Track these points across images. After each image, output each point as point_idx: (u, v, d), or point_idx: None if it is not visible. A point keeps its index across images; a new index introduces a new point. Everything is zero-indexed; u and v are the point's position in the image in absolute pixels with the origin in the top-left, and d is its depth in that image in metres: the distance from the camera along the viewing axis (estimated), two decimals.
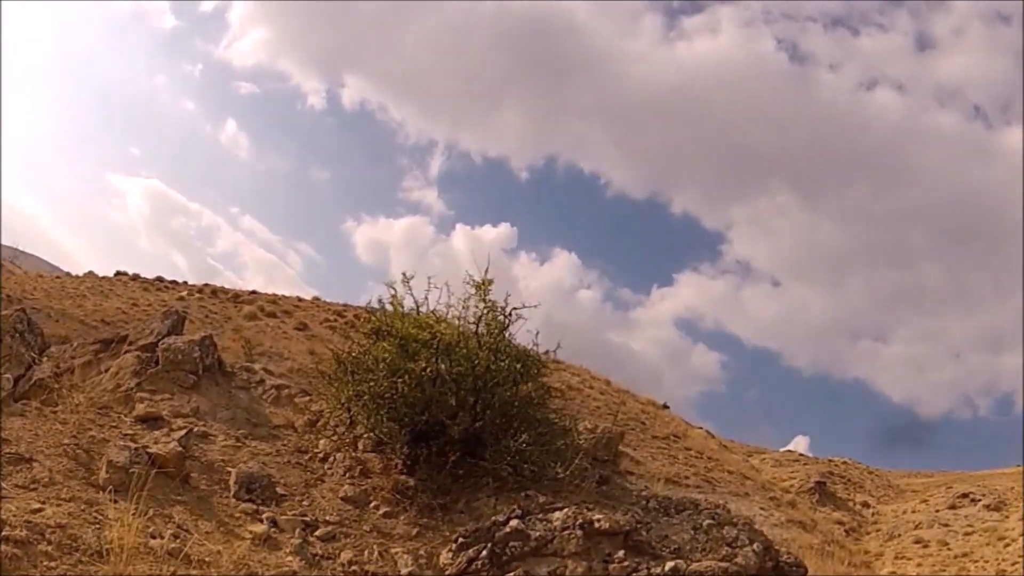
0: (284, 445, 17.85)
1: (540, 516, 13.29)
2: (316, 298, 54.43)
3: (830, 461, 65.41)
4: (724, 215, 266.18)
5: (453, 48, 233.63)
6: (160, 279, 51.04)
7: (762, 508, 31.56)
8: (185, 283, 51.40)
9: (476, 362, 17.01)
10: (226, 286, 53.40)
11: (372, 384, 16.90)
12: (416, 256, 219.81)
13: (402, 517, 15.63)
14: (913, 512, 51.89)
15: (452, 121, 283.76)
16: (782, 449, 71.40)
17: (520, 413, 17.18)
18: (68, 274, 52.82)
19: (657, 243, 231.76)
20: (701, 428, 51.46)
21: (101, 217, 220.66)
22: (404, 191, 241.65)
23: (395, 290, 18.29)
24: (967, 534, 46.10)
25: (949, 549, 44.48)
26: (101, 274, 52.30)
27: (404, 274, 18.34)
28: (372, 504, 15.94)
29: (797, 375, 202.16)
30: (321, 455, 17.66)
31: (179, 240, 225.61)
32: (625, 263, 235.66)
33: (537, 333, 18.38)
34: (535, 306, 18.45)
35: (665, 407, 49.72)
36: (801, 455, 67.20)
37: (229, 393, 20.40)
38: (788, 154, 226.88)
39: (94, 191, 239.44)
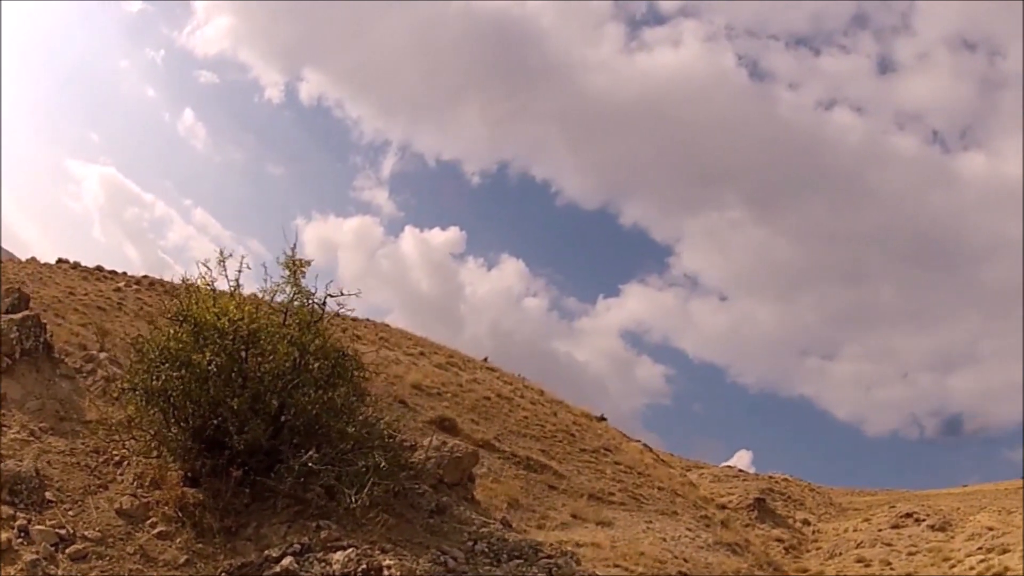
0: (83, 444, 14.61)
1: (320, 555, 10.10)
2: (253, 295, 51.25)
3: (770, 477, 62.80)
4: (675, 228, 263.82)
5: (415, 47, 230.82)
6: (100, 268, 47.76)
7: (688, 529, 28.48)
8: (124, 274, 48.18)
9: (274, 359, 13.39)
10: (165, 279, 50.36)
11: (145, 377, 13.18)
12: (365, 257, 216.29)
13: (178, 539, 12.59)
14: (855, 531, 49.33)
15: (408, 121, 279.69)
16: (723, 464, 68.81)
17: (324, 424, 13.50)
18: (11, 260, 49.43)
19: (605, 253, 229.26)
20: (638, 441, 48.72)
21: (58, 204, 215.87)
22: (355, 190, 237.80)
23: (208, 268, 14.51)
24: (911, 554, 43.58)
25: (892, 569, 41.94)
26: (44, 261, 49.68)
27: (221, 252, 14.58)
28: (150, 520, 12.86)
29: (743, 390, 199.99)
30: (117, 458, 14.07)
31: (132, 231, 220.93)
32: (572, 272, 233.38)
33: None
34: (355, 294, 15.14)
35: (602, 419, 46.94)
36: (741, 471, 64.56)
37: (50, 381, 16.97)
38: (744, 169, 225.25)
39: (53, 177, 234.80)
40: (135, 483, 13.62)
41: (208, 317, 13.57)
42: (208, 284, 14.40)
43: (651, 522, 28.16)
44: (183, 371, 13.05)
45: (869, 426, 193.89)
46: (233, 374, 13.17)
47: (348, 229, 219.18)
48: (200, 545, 12.39)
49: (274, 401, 13.14)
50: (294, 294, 14.38)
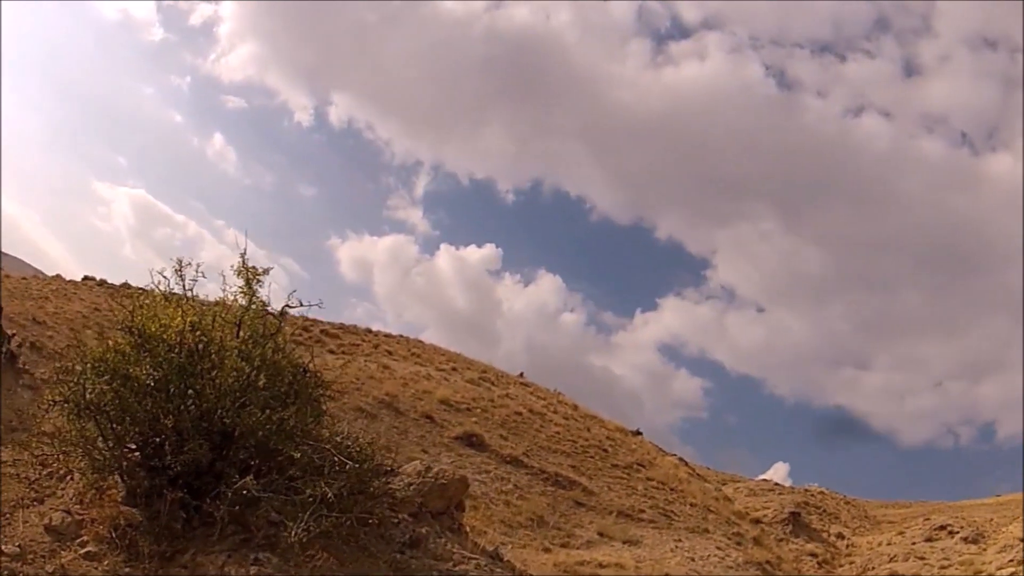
0: (32, 455, 13.58)
1: None
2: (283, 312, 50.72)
3: (806, 491, 61.41)
4: (709, 240, 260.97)
5: (441, 68, 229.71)
6: (127, 285, 47.35)
7: (719, 547, 27.57)
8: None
9: (220, 374, 12.41)
10: None
11: (76, 389, 12.22)
12: (400, 274, 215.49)
13: (105, 561, 11.52)
14: (889, 544, 47.99)
15: (438, 141, 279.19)
16: (759, 477, 67.56)
17: (274, 447, 12.48)
18: (36, 276, 49.25)
19: (641, 267, 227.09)
20: (673, 456, 47.75)
21: (86, 224, 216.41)
22: (389, 209, 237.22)
23: (165, 276, 13.55)
24: (943, 567, 42.35)
25: None
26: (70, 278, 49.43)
27: (179, 260, 13.59)
28: (80, 539, 11.85)
29: (779, 402, 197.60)
30: (62, 472, 13.21)
31: (164, 250, 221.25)
32: (609, 287, 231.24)
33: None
34: (317, 304, 14.11)
35: (637, 434, 46.02)
36: (776, 484, 63.14)
37: (10, 391, 16.49)
38: (774, 180, 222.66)
39: (80, 198, 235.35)
40: (75, 499, 12.64)
41: (153, 328, 12.61)
42: (164, 293, 13.39)
43: (680, 540, 27.28)
44: (119, 384, 12.11)
45: (904, 436, 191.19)
46: (174, 389, 12.19)
47: (383, 248, 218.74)
48: (128, 569, 11.36)
49: (225, 420, 12.13)
50: (248, 304, 13.37)
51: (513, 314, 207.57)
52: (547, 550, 23.56)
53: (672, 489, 34.18)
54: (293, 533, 10.86)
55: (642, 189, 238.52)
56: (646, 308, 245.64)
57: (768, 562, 28.76)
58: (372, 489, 12.30)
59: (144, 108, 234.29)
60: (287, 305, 13.65)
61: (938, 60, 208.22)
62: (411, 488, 12.96)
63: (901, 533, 49.62)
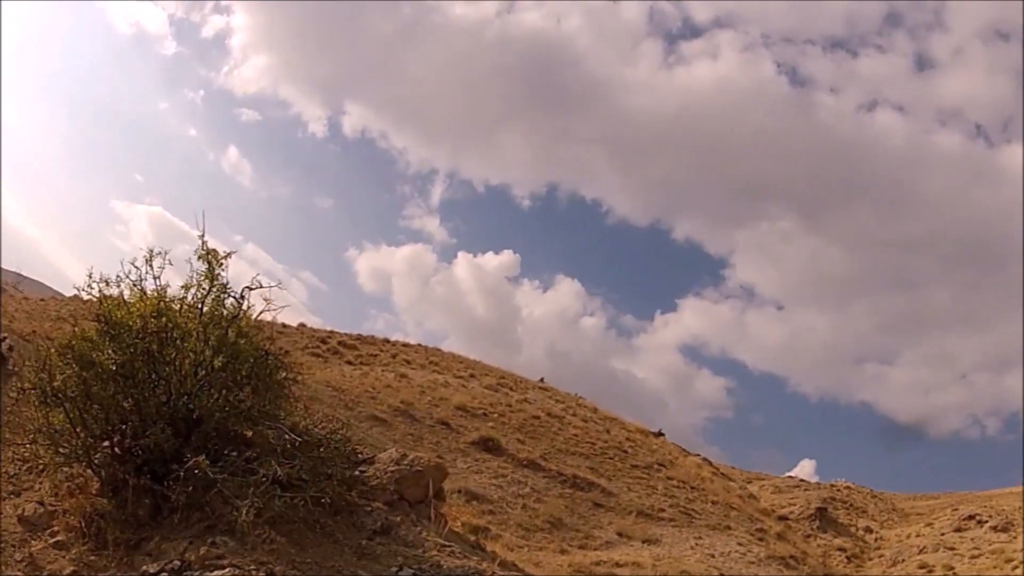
0: (13, 452, 13.34)
1: (198, 573, 8.63)
2: (302, 325, 50.61)
3: (832, 486, 60.55)
4: (727, 240, 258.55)
5: (454, 76, 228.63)
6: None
7: (740, 544, 26.81)
8: None
9: (179, 358, 11.84)
10: None
11: (43, 377, 11.72)
12: (419, 284, 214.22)
13: (73, 550, 11.38)
14: (917, 536, 47.28)
15: (453, 149, 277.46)
16: (785, 474, 66.66)
17: (232, 424, 11.84)
18: (54, 297, 49.01)
19: (660, 269, 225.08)
20: (697, 456, 47.04)
21: (106, 244, 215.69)
22: (405, 219, 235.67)
23: (136, 267, 12.96)
24: (973, 557, 41.62)
25: (955, 573, 39.91)
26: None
27: (151, 250, 13.01)
28: (51, 529, 11.74)
29: (803, 400, 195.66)
30: (42, 465, 12.69)
31: (183, 268, 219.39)
32: (628, 290, 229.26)
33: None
34: (275, 285, 13.38)
35: (659, 435, 45.38)
36: (802, 480, 62.29)
37: None
38: (790, 178, 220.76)
39: (98, 218, 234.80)
40: (52, 490, 12.36)
41: (119, 314, 12.07)
42: (129, 283, 12.83)
43: (701, 538, 26.57)
44: (84, 370, 11.60)
45: (930, 429, 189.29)
46: (140, 375, 11.67)
47: (401, 257, 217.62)
48: (93, 558, 11.19)
49: (189, 405, 11.57)
50: (210, 289, 12.78)
51: (533, 320, 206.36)
52: (564, 551, 22.92)
53: (693, 488, 33.46)
54: (244, 513, 10.26)
55: (658, 191, 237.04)
56: (666, 309, 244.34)
57: (792, 557, 27.99)
58: (339, 474, 11.61)
59: (159, 123, 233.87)
60: (247, 287, 13.01)
61: (951, 53, 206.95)
62: (386, 476, 12.20)
63: (930, 524, 48.92)
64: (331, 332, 49.88)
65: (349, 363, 42.40)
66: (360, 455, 12.63)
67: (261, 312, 13.35)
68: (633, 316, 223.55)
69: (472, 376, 42.62)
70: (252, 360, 12.28)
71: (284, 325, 50.00)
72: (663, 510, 29.04)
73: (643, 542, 25.03)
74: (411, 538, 11.00)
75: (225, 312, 12.69)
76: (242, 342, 12.41)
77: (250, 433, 11.42)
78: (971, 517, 46.62)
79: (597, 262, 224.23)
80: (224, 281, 12.98)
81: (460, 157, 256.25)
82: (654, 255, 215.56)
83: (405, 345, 50.64)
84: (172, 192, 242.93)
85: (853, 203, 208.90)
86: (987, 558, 40.85)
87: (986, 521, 45.51)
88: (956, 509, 49.88)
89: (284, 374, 12.94)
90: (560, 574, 20.46)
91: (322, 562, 10.08)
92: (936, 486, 70.67)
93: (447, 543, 11.07)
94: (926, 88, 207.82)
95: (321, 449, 11.58)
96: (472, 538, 13.46)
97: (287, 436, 11.52)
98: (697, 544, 25.72)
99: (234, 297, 12.91)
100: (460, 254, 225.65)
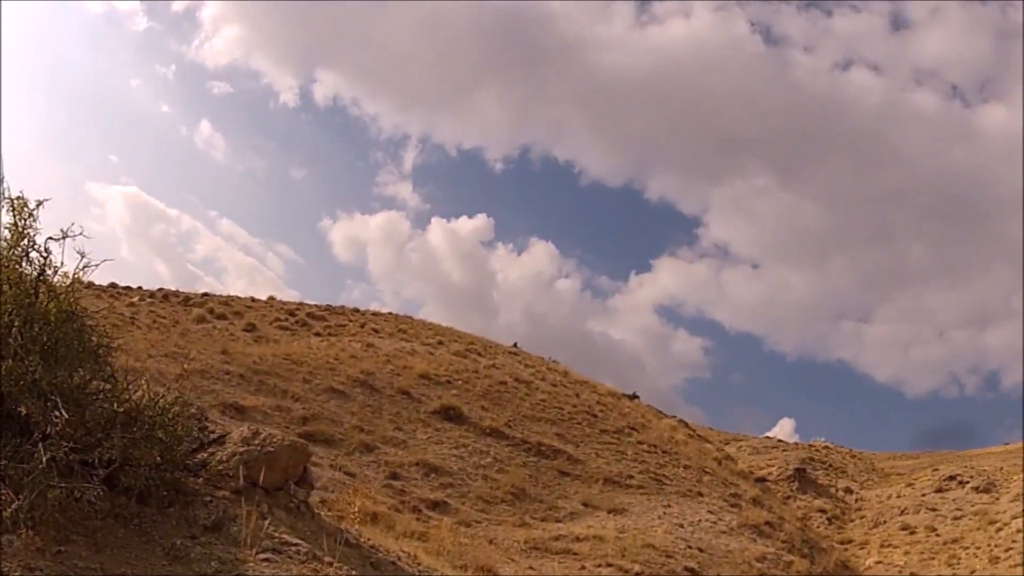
0: None
1: None
2: (271, 298, 49.44)
3: (810, 446, 59.17)
4: (701, 199, 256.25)
5: (425, 39, 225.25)
6: (114, 285, 45.74)
7: (711, 512, 25.08)
8: (140, 288, 45.88)
9: None
10: (180, 290, 48.13)
11: None
12: (394, 252, 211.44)
13: None
14: (898, 497, 45.91)
15: (425, 113, 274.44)
16: (764, 435, 65.15)
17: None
18: None
19: (634, 229, 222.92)
20: (673, 418, 45.34)
21: (82, 227, 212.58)
22: (378, 186, 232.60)
23: None
24: (956, 518, 40.41)
25: (938, 535, 38.80)
26: None
27: None
28: None
29: (781, 358, 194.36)
30: None
31: (160, 248, 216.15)
32: (603, 251, 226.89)
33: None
34: (80, 234, 10.96)
35: (634, 397, 43.64)
36: (780, 441, 60.82)
37: None
38: (765, 136, 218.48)
39: (74, 200, 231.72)
40: None
41: None
42: None
43: (669, 506, 24.76)
44: None
45: (909, 387, 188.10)
46: None
47: (375, 225, 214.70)
48: None
49: None
50: (16, 243, 10.42)
51: (509, 284, 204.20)
52: (524, 525, 21.07)
53: (665, 452, 31.62)
54: (13, 508, 8.00)
55: (632, 151, 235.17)
56: (641, 270, 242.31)
57: (768, 523, 26.18)
58: (170, 457, 9.17)
59: (132, 101, 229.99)
60: (50, 238, 10.65)
61: (928, 13, 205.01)
62: (233, 459, 9.68)
63: (910, 485, 47.70)
64: (299, 304, 48.70)
65: (317, 334, 40.96)
66: (212, 434, 10.13)
67: (82, 269, 10.90)
68: (608, 277, 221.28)
69: (440, 343, 40.84)
70: (52, 324, 9.85)
71: (253, 299, 48.51)
72: (632, 477, 27.22)
73: (609, 512, 23.26)
74: (246, 536, 8.64)
75: (29, 269, 10.26)
76: (50, 304, 10.00)
77: (23, 410, 9.00)
78: (952, 478, 45.41)
79: (571, 224, 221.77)
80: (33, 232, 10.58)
81: (433, 121, 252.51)
82: (628, 215, 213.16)
83: (375, 314, 49.04)
84: (146, 171, 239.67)
85: (828, 159, 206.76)
86: (970, 519, 39.81)
87: (967, 482, 44.36)
88: (936, 469, 48.68)
89: (96, 340, 10.53)
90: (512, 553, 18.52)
91: (113, 567, 7.84)
92: (914, 445, 69.58)
93: (297, 541, 8.80)
94: (902, 48, 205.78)
95: (135, 428, 9.16)
96: (353, 531, 11.13)
97: (57, 413, 9.08)
98: (666, 513, 23.89)
99: (39, 252, 10.47)
100: (434, 220, 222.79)
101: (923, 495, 44.42)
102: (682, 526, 22.81)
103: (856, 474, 53.96)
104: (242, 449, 9.55)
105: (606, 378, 43.64)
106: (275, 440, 9.70)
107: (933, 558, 36.01)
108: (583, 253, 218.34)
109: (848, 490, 49.58)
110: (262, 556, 8.27)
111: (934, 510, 41.70)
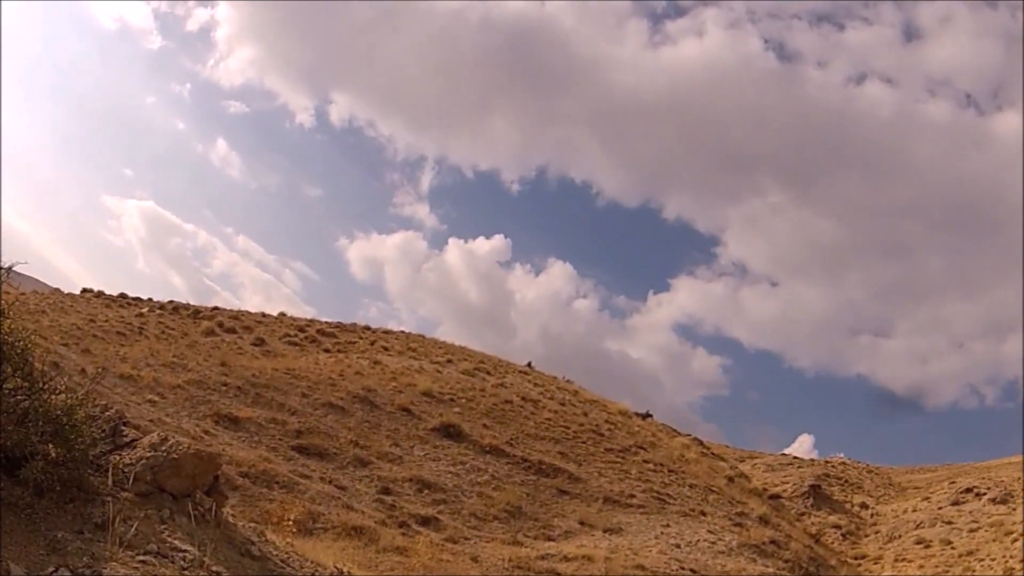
0: None
1: None
2: (282, 314, 48.59)
3: (827, 462, 57.97)
4: (718, 217, 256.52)
5: (439, 61, 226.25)
6: (123, 295, 45.60)
7: (711, 531, 23.95)
8: (149, 300, 45.38)
9: None
10: (190, 302, 47.56)
11: None
12: (411, 271, 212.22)
13: None
14: (914, 511, 44.65)
15: (441, 134, 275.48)
16: (783, 450, 64.07)
17: None
18: (35, 291, 46.82)
19: (652, 249, 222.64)
20: (687, 436, 44.44)
21: (98, 239, 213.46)
22: (395, 206, 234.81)
23: None
24: (972, 531, 39.26)
25: (953, 548, 37.65)
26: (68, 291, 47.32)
27: None
28: None
29: (799, 375, 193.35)
30: None
31: (175, 261, 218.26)
32: (621, 270, 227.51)
33: None
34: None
35: (647, 416, 42.70)
36: (796, 458, 59.66)
37: None
38: (779, 153, 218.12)
39: (90, 213, 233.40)
40: None
41: None
42: None
43: (668, 525, 23.75)
44: None
45: (928, 399, 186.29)
46: None
47: (392, 245, 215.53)
48: None
49: None
50: None
51: (526, 304, 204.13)
52: (516, 543, 20.17)
53: (672, 471, 30.62)
54: None
55: (648, 170, 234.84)
56: (659, 289, 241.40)
57: (773, 542, 25.07)
58: (52, 454, 8.37)
59: (147, 117, 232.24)
60: None
61: (938, 22, 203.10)
62: (140, 463, 8.88)
63: (927, 498, 46.53)
64: (310, 321, 48.05)
65: (326, 351, 40.19)
66: (125, 436, 9.33)
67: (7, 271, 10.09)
68: (626, 297, 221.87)
69: (449, 361, 40.01)
70: None
71: (264, 314, 47.80)
72: (633, 496, 26.25)
73: (604, 531, 22.31)
74: (133, 538, 7.87)
75: None
76: None
77: None
78: (969, 490, 44.17)
79: (589, 244, 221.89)
80: None
81: (448, 142, 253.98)
82: (646, 235, 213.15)
83: (386, 332, 48.33)
84: (162, 186, 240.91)
85: (842, 174, 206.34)
86: (985, 531, 38.65)
87: (984, 493, 43.12)
88: (954, 482, 47.43)
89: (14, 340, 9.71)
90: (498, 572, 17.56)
91: None
92: (936, 458, 68.28)
93: (186, 548, 7.96)
94: (914, 58, 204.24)
95: (43, 424, 8.42)
96: (279, 543, 10.19)
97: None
98: (663, 533, 22.87)
99: None
100: (451, 240, 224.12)
101: (939, 508, 43.23)
102: (679, 546, 21.78)
103: (872, 489, 52.71)
104: (149, 454, 8.79)
105: (623, 397, 42.89)
106: (181, 447, 8.91)
107: (947, 571, 34.85)
108: (601, 273, 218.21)
109: (864, 505, 48.37)
110: (140, 558, 7.52)
111: (950, 523, 40.49)
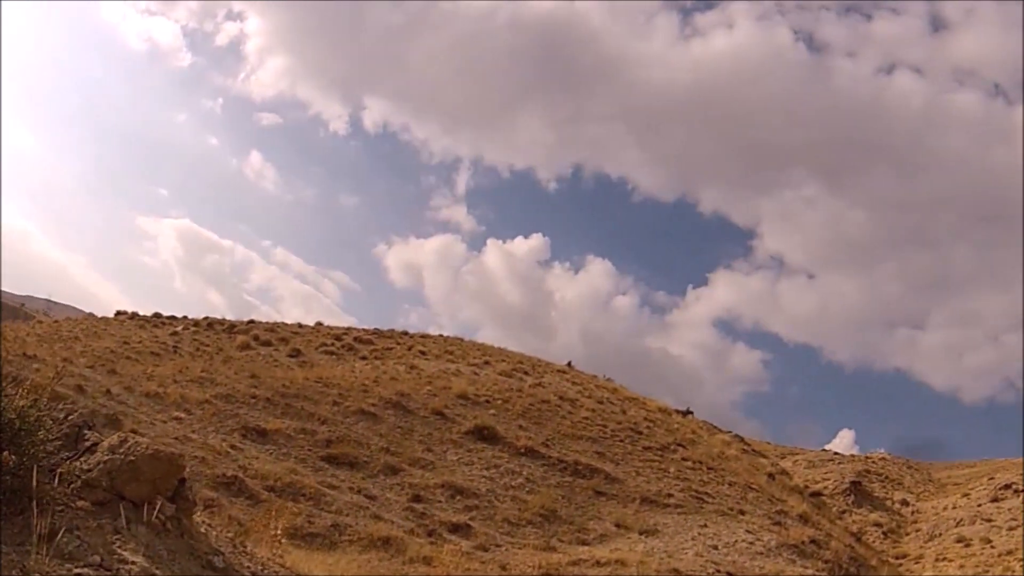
0: None
1: None
2: (319, 324, 48.16)
3: (867, 458, 57.12)
4: (753, 210, 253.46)
5: (469, 61, 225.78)
6: (157, 315, 45.36)
7: (749, 531, 23.20)
8: (185, 317, 45.20)
9: None
10: (226, 317, 47.41)
11: None
12: (450, 275, 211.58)
13: None
14: (954, 508, 43.91)
15: (475, 135, 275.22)
16: (825, 446, 63.24)
17: None
18: (68, 319, 46.74)
19: (689, 243, 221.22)
20: (728, 433, 43.75)
21: (135, 262, 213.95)
22: (432, 210, 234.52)
23: None
24: (1011, 528, 38.50)
25: (992, 547, 36.97)
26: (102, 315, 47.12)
27: None
28: None
29: (839, 369, 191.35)
30: None
31: (213, 278, 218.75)
32: (659, 266, 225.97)
33: None
34: None
35: (687, 413, 42.02)
36: (836, 454, 58.84)
37: None
38: (811, 144, 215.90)
39: (125, 236, 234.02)
40: None
41: None
42: None
43: (705, 526, 23.04)
44: None
45: (965, 394, 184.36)
46: None
47: (430, 249, 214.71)
48: None
49: None
50: None
51: (566, 303, 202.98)
52: (549, 548, 19.58)
53: (711, 469, 29.91)
54: None
55: (682, 165, 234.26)
56: (697, 284, 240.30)
57: (813, 541, 24.30)
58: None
59: (179, 135, 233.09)
60: None
61: (964, 12, 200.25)
62: (97, 468, 8.18)
63: (966, 495, 45.78)
64: (347, 329, 47.82)
65: (363, 358, 39.79)
66: (87, 440, 8.63)
67: None
68: (665, 293, 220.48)
69: (487, 363, 39.47)
70: None
71: (300, 325, 47.48)
72: (671, 495, 25.57)
73: (640, 534, 21.63)
74: (76, 550, 7.24)
75: None
76: None
77: None
78: (1007, 486, 43.45)
79: (627, 240, 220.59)
80: None
81: (483, 143, 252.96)
82: (683, 229, 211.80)
83: (423, 337, 47.81)
84: (197, 203, 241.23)
85: (874, 165, 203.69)
86: None
87: (1023, 490, 42.02)
88: (992, 478, 46.56)
89: None
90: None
91: None
92: (973, 453, 67.34)
93: (134, 560, 7.33)
94: (942, 48, 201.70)
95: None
96: (228, 552, 9.52)
97: None
98: (700, 534, 22.17)
99: None
100: (489, 241, 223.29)
101: (979, 505, 42.50)
102: (716, 547, 21.10)
103: (912, 485, 51.90)
104: (107, 457, 8.10)
105: (664, 395, 42.46)
106: (139, 449, 8.18)
107: (987, 571, 34.05)
108: (640, 269, 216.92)
109: (904, 502, 47.67)
110: (77, 570, 6.93)
111: (989, 520, 39.80)
